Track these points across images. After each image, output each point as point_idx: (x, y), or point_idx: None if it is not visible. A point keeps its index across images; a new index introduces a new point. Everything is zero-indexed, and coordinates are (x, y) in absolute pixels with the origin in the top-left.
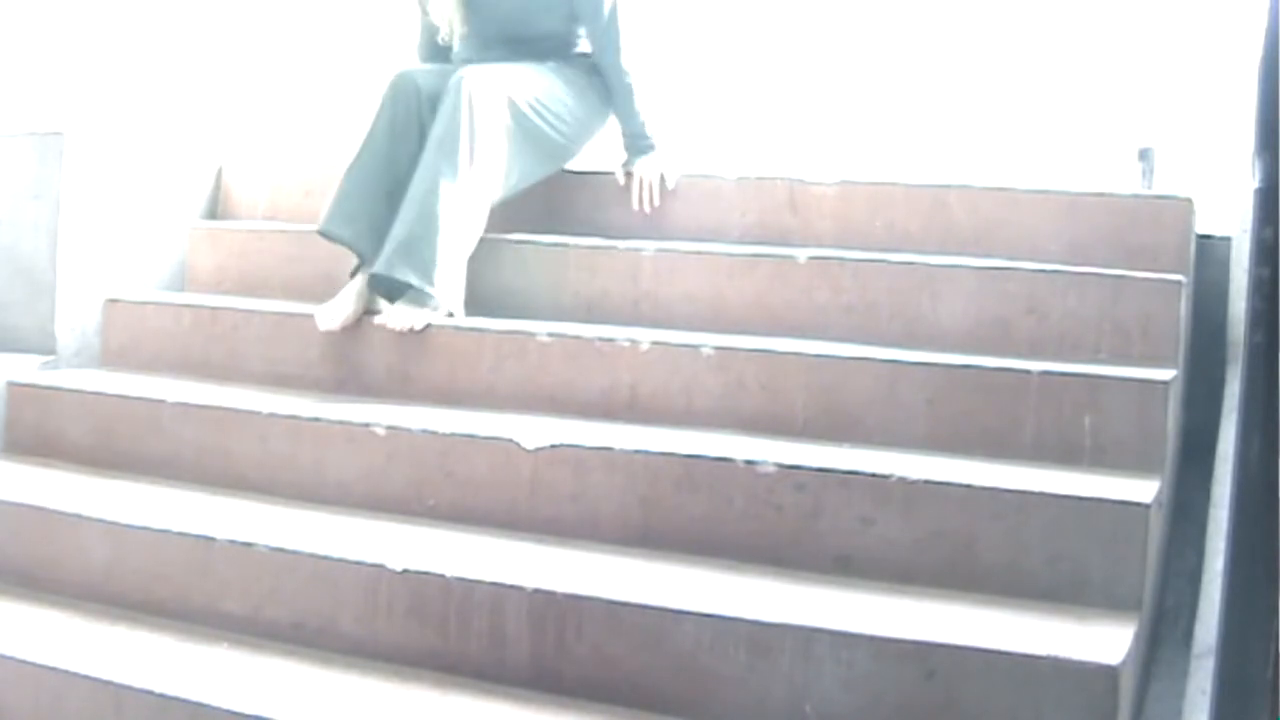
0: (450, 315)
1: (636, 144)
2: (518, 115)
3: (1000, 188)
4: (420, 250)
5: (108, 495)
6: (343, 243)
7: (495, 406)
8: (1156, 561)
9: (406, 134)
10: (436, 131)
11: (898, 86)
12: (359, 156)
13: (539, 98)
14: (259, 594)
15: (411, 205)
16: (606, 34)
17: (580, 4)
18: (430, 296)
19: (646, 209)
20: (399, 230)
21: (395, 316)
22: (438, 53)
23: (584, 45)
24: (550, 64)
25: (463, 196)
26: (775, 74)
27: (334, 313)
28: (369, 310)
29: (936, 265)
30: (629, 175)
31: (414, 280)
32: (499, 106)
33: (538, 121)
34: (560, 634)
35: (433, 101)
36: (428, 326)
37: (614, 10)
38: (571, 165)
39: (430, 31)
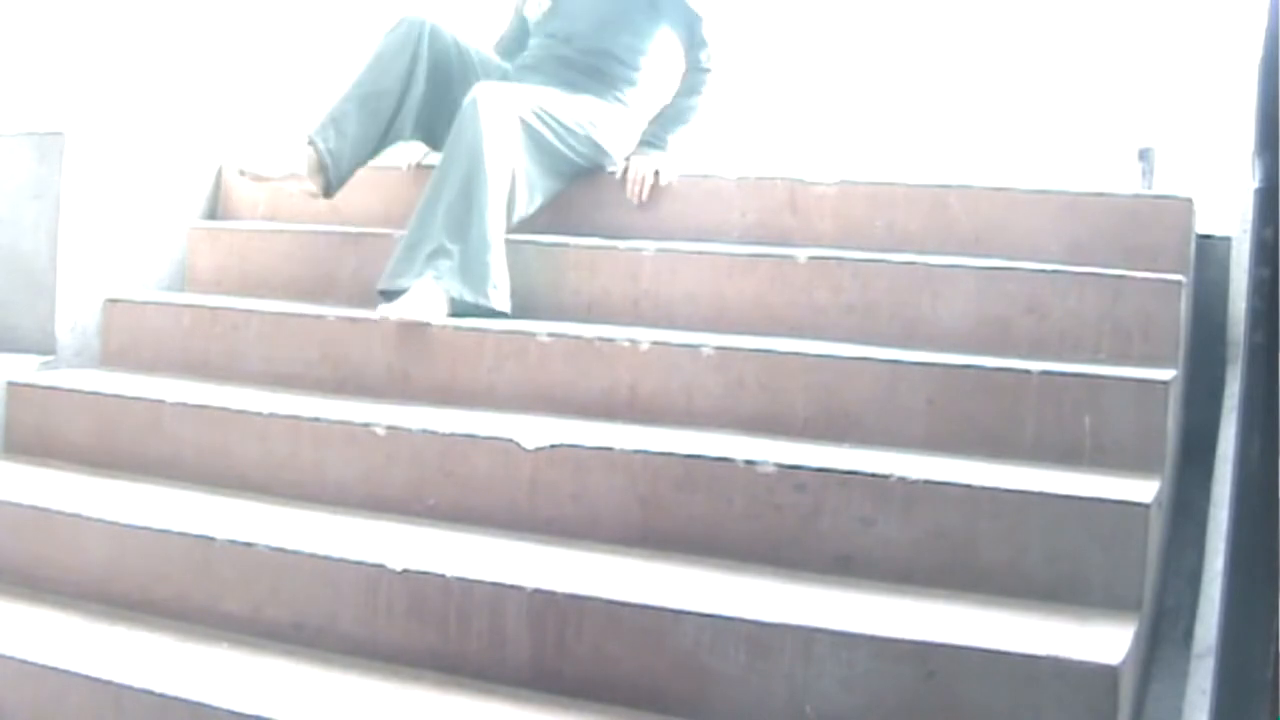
0: (505, 316)
1: (652, 143)
2: (532, 131)
3: (1000, 188)
4: (472, 267)
5: (108, 495)
6: (317, 151)
7: (495, 406)
8: (1156, 561)
9: (398, 56)
10: (459, 147)
11: (898, 87)
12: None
13: (555, 116)
14: (259, 594)
15: (448, 221)
16: (691, 47)
17: (688, 42)
18: (483, 305)
19: (635, 202)
20: (436, 245)
21: (398, 309)
22: (515, 49)
23: (641, 84)
24: (601, 96)
25: (495, 204)
26: (776, 74)
27: (273, 165)
28: (294, 174)
29: (936, 265)
30: (627, 167)
31: (468, 296)
32: (514, 122)
33: (552, 139)
34: (560, 634)
35: (436, 38)
36: (427, 325)
37: (710, 68)
38: None
39: (517, 25)
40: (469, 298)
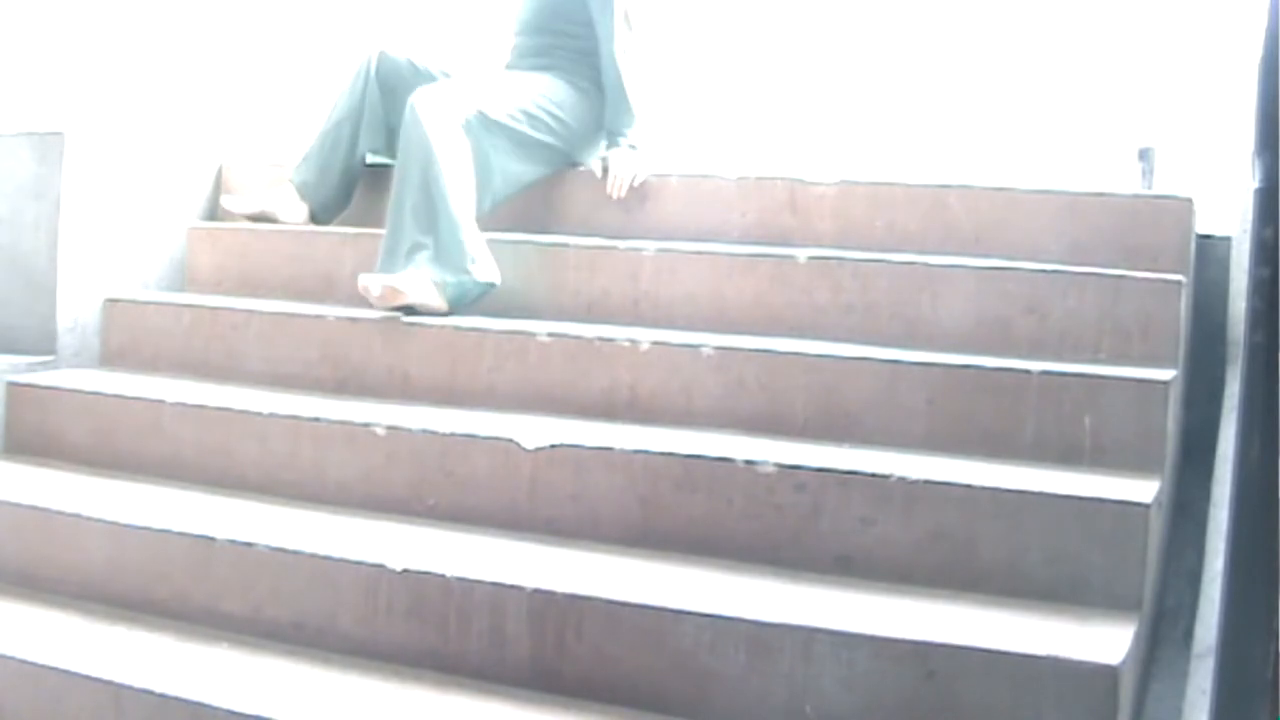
0: (493, 285)
1: (614, 140)
2: (481, 117)
3: (1000, 188)
4: (448, 250)
5: (108, 495)
6: (295, 188)
7: (495, 406)
8: (1156, 561)
9: (351, 90)
10: (410, 149)
11: (897, 86)
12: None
13: (501, 96)
14: (259, 594)
15: (415, 219)
16: (602, 22)
17: (601, 23)
18: (469, 281)
19: (615, 197)
20: (412, 243)
21: (385, 280)
22: None
23: (592, 50)
24: (551, 72)
25: (456, 192)
26: (775, 73)
27: (247, 203)
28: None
29: (936, 265)
30: (605, 168)
31: (450, 276)
32: (457, 113)
33: (505, 120)
34: (560, 634)
35: (384, 63)
36: (413, 310)
37: (611, 4)
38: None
39: None
40: (452, 278)
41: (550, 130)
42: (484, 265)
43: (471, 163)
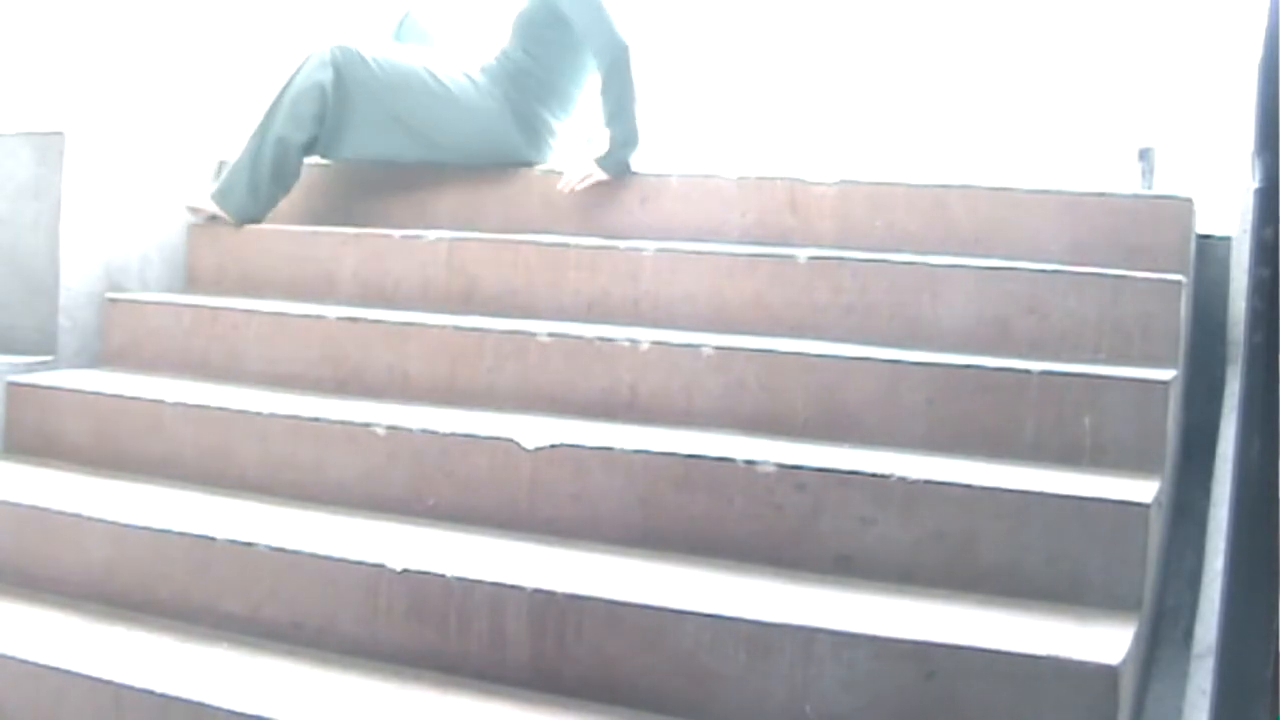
0: (215, 218)
1: (614, 154)
2: (350, 80)
3: (1000, 188)
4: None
5: (108, 495)
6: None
7: (495, 406)
8: (1156, 561)
9: (313, 90)
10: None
11: (897, 86)
12: None
13: (393, 77)
14: (259, 594)
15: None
16: (586, 25)
17: (582, 32)
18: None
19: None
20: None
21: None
22: None
23: (533, 73)
24: (476, 69)
25: (262, 132)
26: (776, 74)
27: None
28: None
29: (936, 265)
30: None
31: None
32: (324, 70)
33: (379, 92)
34: (560, 634)
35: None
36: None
37: (596, 25)
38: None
39: None
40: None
41: (416, 108)
42: (227, 196)
43: (319, 102)
